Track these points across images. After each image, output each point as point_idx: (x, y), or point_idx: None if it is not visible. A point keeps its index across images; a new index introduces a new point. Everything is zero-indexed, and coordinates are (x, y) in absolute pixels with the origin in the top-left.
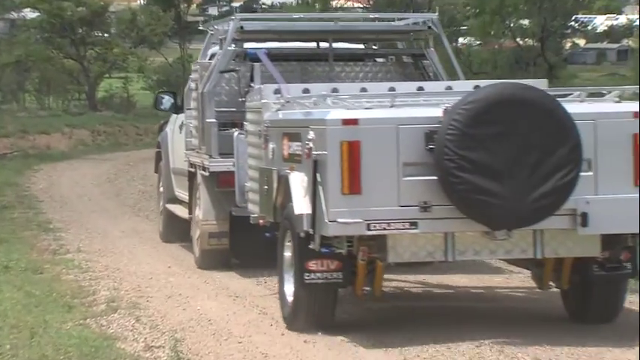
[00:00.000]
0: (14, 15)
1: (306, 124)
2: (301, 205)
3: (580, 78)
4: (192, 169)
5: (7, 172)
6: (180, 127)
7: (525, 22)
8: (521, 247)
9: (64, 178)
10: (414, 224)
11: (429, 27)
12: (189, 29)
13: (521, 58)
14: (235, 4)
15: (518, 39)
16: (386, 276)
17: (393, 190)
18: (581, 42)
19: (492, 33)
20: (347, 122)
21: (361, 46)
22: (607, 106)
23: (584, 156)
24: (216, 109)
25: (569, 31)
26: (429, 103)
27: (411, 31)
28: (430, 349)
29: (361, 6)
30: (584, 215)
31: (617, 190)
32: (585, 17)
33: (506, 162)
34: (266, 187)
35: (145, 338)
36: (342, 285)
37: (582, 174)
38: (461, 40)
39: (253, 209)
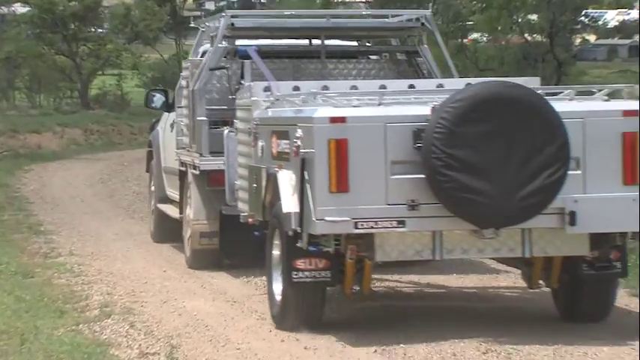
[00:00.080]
0: (4, 10)
1: (294, 121)
2: (289, 203)
3: (590, 75)
4: (183, 168)
5: None
6: (172, 125)
7: (534, 17)
8: (509, 246)
9: (55, 178)
10: (401, 223)
11: (422, 24)
12: (186, 25)
13: (529, 55)
14: None
15: (526, 34)
16: (383, 276)
17: (381, 188)
18: (592, 38)
19: (499, 28)
20: (334, 120)
21: (354, 43)
22: (596, 104)
23: (572, 154)
24: (207, 107)
25: (578, 26)
26: (419, 101)
27: (404, 28)
28: (431, 349)
29: (363, 1)
30: (573, 214)
31: (605, 189)
32: (596, 12)
33: (494, 160)
34: (255, 185)
35: (140, 345)
36: (330, 284)
37: (570, 172)
38: (474, 35)
39: (243, 207)
